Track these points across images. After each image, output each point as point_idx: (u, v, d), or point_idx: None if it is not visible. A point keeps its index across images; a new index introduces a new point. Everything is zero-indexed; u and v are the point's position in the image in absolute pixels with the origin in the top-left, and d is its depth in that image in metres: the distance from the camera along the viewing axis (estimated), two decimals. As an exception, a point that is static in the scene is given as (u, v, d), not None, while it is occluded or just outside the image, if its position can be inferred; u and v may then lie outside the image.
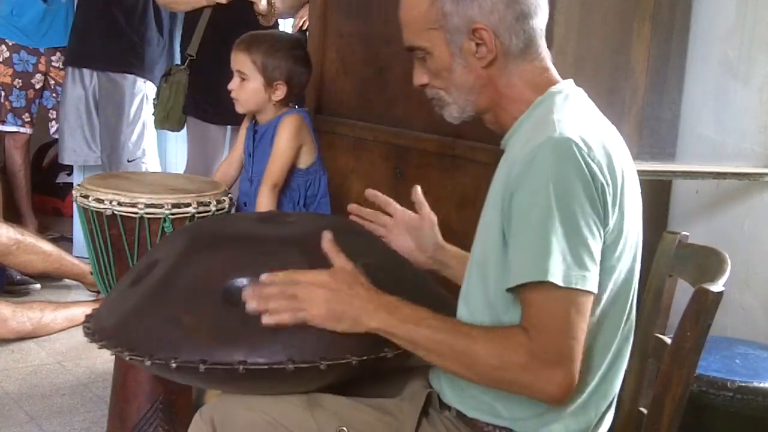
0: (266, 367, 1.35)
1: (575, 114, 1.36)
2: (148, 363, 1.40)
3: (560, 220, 1.25)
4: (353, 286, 1.38)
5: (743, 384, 1.91)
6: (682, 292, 1.48)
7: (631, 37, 2.36)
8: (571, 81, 1.46)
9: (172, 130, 3.62)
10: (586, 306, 1.27)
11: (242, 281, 1.44)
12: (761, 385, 1.92)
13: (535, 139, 1.30)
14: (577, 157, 1.27)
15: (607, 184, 1.29)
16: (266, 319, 1.36)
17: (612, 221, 1.31)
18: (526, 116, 1.42)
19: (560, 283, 1.24)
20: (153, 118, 3.51)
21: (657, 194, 2.56)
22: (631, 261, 1.39)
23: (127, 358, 1.43)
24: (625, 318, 1.41)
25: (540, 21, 1.42)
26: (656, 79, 2.43)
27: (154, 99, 3.50)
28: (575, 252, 1.25)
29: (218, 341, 1.38)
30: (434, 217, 1.74)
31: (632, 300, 1.42)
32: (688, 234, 1.61)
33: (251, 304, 1.37)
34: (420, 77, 1.47)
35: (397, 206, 1.76)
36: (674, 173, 2.37)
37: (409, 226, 1.74)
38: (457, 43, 1.40)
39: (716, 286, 1.32)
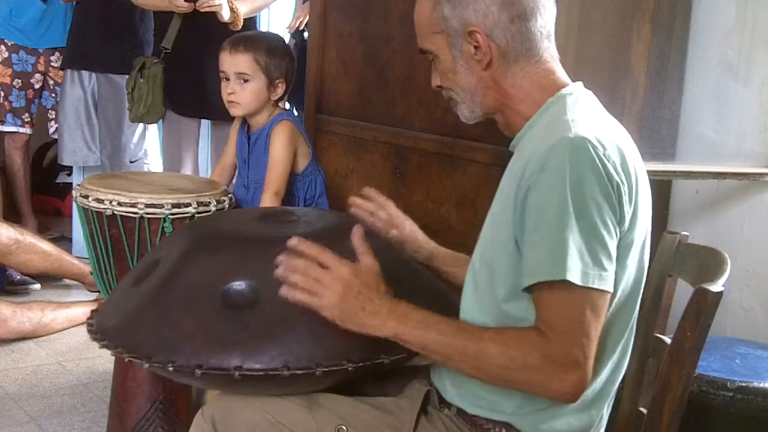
0: (262, 373, 1.37)
1: (588, 115, 1.37)
2: (146, 365, 1.43)
3: (577, 219, 1.24)
4: (370, 291, 1.38)
5: (743, 384, 1.91)
6: (682, 292, 1.48)
7: (631, 37, 2.36)
8: (580, 84, 1.47)
9: (150, 123, 3.63)
10: (603, 306, 1.27)
11: (241, 285, 1.45)
12: (761, 385, 1.92)
13: (549, 140, 1.30)
14: (592, 156, 1.27)
15: (622, 182, 1.29)
16: (284, 291, 1.38)
17: (627, 220, 1.31)
18: (536, 118, 1.42)
19: (578, 282, 1.23)
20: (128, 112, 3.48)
21: (657, 194, 2.54)
22: (642, 260, 1.40)
23: (127, 359, 1.46)
24: (634, 317, 1.42)
25: (543, 22, 1.43)
26: (656, 79, 2.43)
27: (127, 92, 3.45)
28: (592, 251, 1.24)
29: (215, 346, 1.39)
30: (417, 235, 1.76)
31: (640, 299, 1.42)
32: (688, 234, 1.61)
33: (279, 269, 1.38)
34: (435, 79, 1.51)
35: (393, 209, 1.78)
36: (674, 173, 2.36)
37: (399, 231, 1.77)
38: (458, 46, 1.43)
39: (716, 286, 1.32)
